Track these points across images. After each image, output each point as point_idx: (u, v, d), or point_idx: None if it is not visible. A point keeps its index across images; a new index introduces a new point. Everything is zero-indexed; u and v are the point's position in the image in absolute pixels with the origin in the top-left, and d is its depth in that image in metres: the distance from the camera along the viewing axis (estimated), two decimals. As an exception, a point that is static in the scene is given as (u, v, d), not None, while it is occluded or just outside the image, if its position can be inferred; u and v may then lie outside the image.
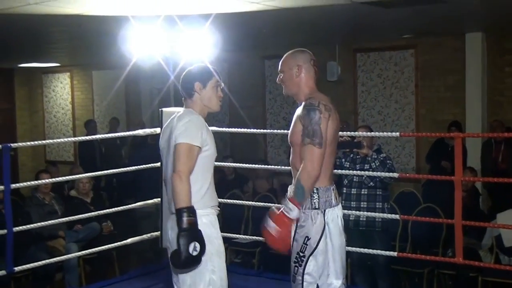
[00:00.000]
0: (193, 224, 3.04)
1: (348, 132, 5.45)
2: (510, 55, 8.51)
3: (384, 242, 5.50)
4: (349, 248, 5.15)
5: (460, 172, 4.27)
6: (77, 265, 6.47)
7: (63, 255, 5.82)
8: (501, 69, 8.56)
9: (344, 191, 5.58)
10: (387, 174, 5.07)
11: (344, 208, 5.47)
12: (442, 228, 6.16)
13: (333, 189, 3.27)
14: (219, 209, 3.39)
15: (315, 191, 3.17)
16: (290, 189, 3.20)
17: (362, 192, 5.47)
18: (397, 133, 4.98)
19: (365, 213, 5.28)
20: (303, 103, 3.22)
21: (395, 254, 4.86)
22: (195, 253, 3.02)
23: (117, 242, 5.22)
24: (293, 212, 3.10)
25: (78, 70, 13.25)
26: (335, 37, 9.04)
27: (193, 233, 3.04)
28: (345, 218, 5.52)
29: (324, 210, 3.19)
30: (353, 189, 5.51)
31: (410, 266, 6.04)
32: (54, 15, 5.89)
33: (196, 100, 3.39)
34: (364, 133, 5.32)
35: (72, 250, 6.19)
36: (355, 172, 5.33)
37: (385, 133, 5.40)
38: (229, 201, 5.60)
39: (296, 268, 3.18)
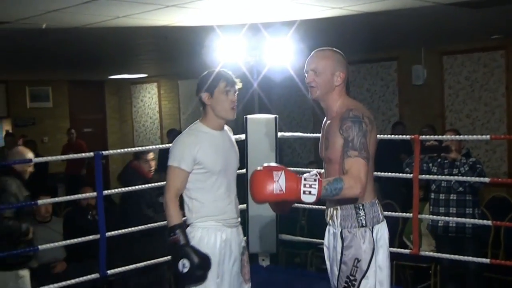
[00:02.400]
0: (177, 243, 3.11)
1: (435, 136, 5.34)
2: None
3: (475, 249, 5.34)
4: (439, 255, 5.06)
5: (555, 176, 4.09)
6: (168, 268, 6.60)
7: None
8: None
9: (432, 196, 5.47)
10: (477, 179, 4.93)
11: (432, 213, 5.42)
12: (537, 235, 5.92)
13: (378, 203, 2.96)
14: (234, 221, 3.35)
15: (360, 207, 2.87)
16: (325, 178, 2.83)
17: (451, 198, 5.33)
18: (488, 136, 4.82)
19: (455, 219, 5.14)
20: (342, 115, 2.87)
21: (487, 261, 4.70)
22: (185, 270, 3.07)
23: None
24: (310, 197, 2.63)
25: (165, 80, 13.59)
26: (421, 40, 8.87)
27: (178, 252, 3.11)
28: (434, 224, 5.47)
29: (373, 227, 2.89)
30: (441, 195, 5.39)
31: (504, 274, 5.82)
32: (143, 27, 6.08)
33: (208, 112, 3.34)
34: (452, 136, 5.20)
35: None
36: (445, 177, 5.21)
37: (474, 136, 5.25)
38: (314, 206, 5.59)
39: None
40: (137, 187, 4.96)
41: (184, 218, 3.30)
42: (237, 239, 3.39)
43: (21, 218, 4.85)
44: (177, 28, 6.20)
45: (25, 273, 4.91)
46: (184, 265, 3.05)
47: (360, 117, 2.83)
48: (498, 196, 7.20)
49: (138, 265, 4.87)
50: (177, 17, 5.65)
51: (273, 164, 2.76)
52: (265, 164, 2.75)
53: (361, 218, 2.88)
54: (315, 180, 2.64)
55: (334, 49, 3.06)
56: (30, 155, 4.96)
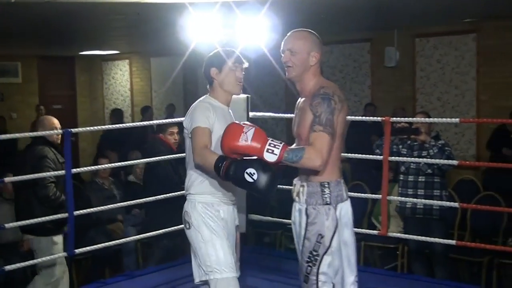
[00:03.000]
0: (229, 164, 2.92)
1: (406, 118, 5.37)
2: None
3: (442, 231, 5.41)
4: (406, 236, 5.12)
5: (522, 160, 4.15)
6: (135, 248, 6.60)
7: (122, 238, 5.94)
8: None
9: (401, 178, 5.52)
10: (446, 162, 4.98)
11: (400, 195, 5.47)
12: (502, 217, 6.01)
13: (343, 182, 3.06)
14: (231, 198, 3.41)
15: (326, 185, 2.97)
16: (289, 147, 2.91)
17: (419, 179, 5.39)
18: (457, 119, 4.86)
19: (423, 200, 5.20)
20: (314, 93, 2.97)
21: (453, 242, 4.77)
22: (254, 178, 2.88)
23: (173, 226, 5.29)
24: (272, 156, 2.84)
25: (137, 57, 13.45)
26: (394, 22, 8.89)
27: (235, 168, 2.91)
28: (402, 205, 5.52)
29: (336, 205, 2.98)
30: (410, 176, 5.45)
31: (469, 255, 5.92)
32: (114, 3, 5.99)
33: (215, 87, 3.44)
34: (422, 119, 5.23)
35: (130, 234, 6.30)
36: (414, 159, 5.26)
37: (444, 119, 5.29)
38: (285, 187, 5.59)
39: (309, 267, 2.96)
40: (103, 166, 4.93)
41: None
42: (232, 217, 3.49)
43: (60, 187, 5.00)
44: (149, 4, 6.12)
45: (58, 239, 5.08)
46: (250, 173, 2.88)
47: (329, 95, 2.93)
48: (466, 179, 7.30)
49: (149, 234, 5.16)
50: (149, -7, 5.58)
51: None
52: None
53: (326, 195, 2.97)
54: (280, 143, 2.86)
55: (310, 30, 3.12)
56: (56, 123, 5.13)
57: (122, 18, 7.51)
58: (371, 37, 9.88)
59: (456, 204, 5.24)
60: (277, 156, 2.83)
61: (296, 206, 3.10)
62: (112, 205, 5.18)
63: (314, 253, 2.96)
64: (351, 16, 7.72)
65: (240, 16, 5.70)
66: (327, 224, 2.95)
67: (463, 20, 8.58)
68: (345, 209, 3.04)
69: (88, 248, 4.75)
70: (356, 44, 10.11)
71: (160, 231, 5.17)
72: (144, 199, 5.19)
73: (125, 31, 9.42)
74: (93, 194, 6.73)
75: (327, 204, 2.97)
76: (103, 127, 5.43)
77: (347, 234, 3.04)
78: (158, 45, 11.43)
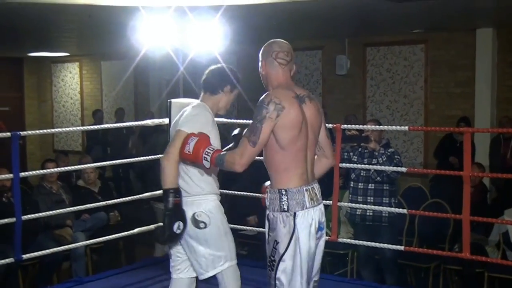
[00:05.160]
0: (178, 205, 3.26)
1: (357, 126, 5.44)
2: (521, 51, 8.47)
3: (391, 237, 5.49)
4: (356, 242, 5.18)
5: (468, 168, 4.25)
6: (84, 254, 6.49)
7: (70, 244, 5.84)
8: (511, 65, 8.51)
9: (352, 185, 5.59)
10: (394, 169, 5.05)
11: (351, 202, 5.53)
12: (449, 224, 6.14)
13: (306, 189, 3.03)
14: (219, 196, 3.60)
15: (283, 192, 2.98)
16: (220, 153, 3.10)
17: (369, 187, 5.46)
18: (406, 127, 4.94)
19: (372, 207, 5.27)
20: None
21: (402, 248, 4.85)
22: (178, 231, 3.24)
23: (123, 232, 5.24)
24: (206, 163, 3.09)
25: (87, 60, 13.26)
26: (345, 31, 9.01)
27: (178, 213, 3.26)
28: (352, 212, 5.58)
29: (295, 213, 2.97)
30: (360, 184, 5.51)
31: (417, 261, 6.03)
32: (65, 4, 5.90)
33: (215, 99, 3.53)
34: (373, 126, 5.31)
35: (79, 239, 6.19)
36: (363, 166, 5.32)
37: (393, 127, 5.37)
38: (240, 193, 5.58)
39: (269, 272, 3.02)
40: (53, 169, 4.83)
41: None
42: None
43: None
44: (101, 7, 6.04)
45: None
46: (179, 226, 3.26)
47: (265, 103, 2.97)
48: (414, 186, 7.43)
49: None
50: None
51: (202, 133, 3.21)
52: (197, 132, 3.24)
53: (283, 203, 2.97)
54: (212, 149, 3.08)
55: (271, 41, 3.27)
56: None
57: (73, 20, 7.40)
58: (322, 45, 9.98)
59: (404, 211, 5.32)
60: (209, 162, 3.06)
61: (265, 211, 3.16)
62: (61, 210, 5.09)
63: (272, 258, 3.00)
64: (302, 24, 7.78)
65: (193, 21, 5.69)
66: (284, 231, 2.96)
67: (412, 31, 8.76)
68: (306, 217, 2.99)
69: (36, 253, 4.65)
70: (307, 51, 10.20)
71: (109, 236, 5.11)
72: (93, 204, 5.11)
73: (76, 33, 9.28)
74: (41, 198, 6.59)
75: (284, 211, 2.97)
76: (52, 130, 5.33)
77: (304, 243, 2.99)
78: (109, 48, 11.30)
